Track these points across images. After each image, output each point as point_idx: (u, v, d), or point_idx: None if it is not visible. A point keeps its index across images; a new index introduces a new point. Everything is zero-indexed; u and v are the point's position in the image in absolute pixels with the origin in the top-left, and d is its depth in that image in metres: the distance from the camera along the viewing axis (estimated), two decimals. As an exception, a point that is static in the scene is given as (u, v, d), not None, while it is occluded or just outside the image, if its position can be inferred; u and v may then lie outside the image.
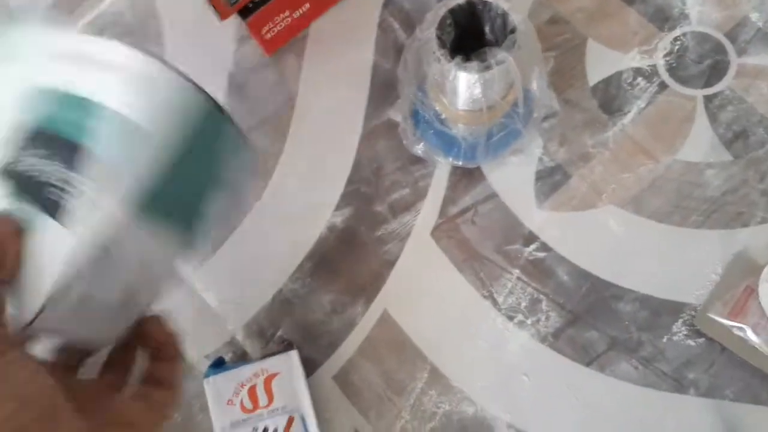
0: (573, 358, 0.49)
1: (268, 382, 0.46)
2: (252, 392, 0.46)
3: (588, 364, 0.48)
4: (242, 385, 0.46)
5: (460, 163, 0.52)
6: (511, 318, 0.50)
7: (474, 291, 0.51)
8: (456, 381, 0.49)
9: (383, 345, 0.50)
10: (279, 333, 0.51)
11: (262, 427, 0.45)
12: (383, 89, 0.56)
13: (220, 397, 0.46)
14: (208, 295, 0.52)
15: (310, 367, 0.49)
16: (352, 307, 0.51)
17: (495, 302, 0.50)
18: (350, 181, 0.54)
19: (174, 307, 0.52)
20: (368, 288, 0.51)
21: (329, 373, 0.49)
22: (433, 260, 0.52)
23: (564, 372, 0.48)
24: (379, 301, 0.51)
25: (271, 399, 0.45)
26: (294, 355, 0.46)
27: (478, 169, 0.54)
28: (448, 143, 0.51)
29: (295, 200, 0.54)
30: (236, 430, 0.45)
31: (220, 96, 0.56)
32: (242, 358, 0.51)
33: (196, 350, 0.51)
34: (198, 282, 0.52)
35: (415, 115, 0.52)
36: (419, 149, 0.52)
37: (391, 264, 0.52)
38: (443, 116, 0.49)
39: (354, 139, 0.55)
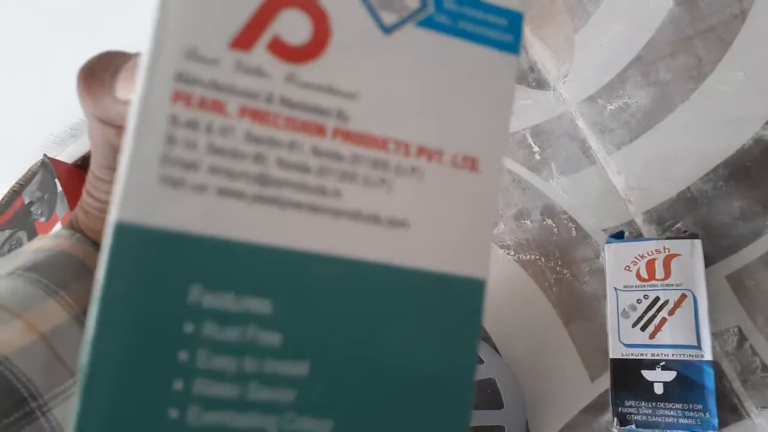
0: None
1: (668, 260, 0.51)
2: (650, 265, 0.52)
3: None
4: (642, 256, 0.52)
5: None
6: None
7: None
8: None
9: (787, 262, 0.51)
10: (678, 225, 0.55)
11: (654, 296, 0.51)
12: None
13: (618, 262, 0.53)
14: (618, 178, 0.58)
15: (705, 261, 0.53)
16: (762, 218, 0.52)
17: None
18: (789, 100, 0.54)
19: (582, 180, 0.60)
20: (784, 205, 0.52)
21: (723, 272, 0.52)
22: None
23: None
24: (793, 220, 0.51)
25: (668, 274, 0.51)
26: (698, 244, 0.50)
27: None
28: None
29: (723, 108, 0.56)
30: (627, 293, 0.52)
31: (671, 3, 0.60)
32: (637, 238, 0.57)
33: (595, 221, 0.58)
34: (612, 164, 0.58)
35: None
36: None
37: (815, 188, 0.51)
38: None
39: (805, 58, 0.54)
